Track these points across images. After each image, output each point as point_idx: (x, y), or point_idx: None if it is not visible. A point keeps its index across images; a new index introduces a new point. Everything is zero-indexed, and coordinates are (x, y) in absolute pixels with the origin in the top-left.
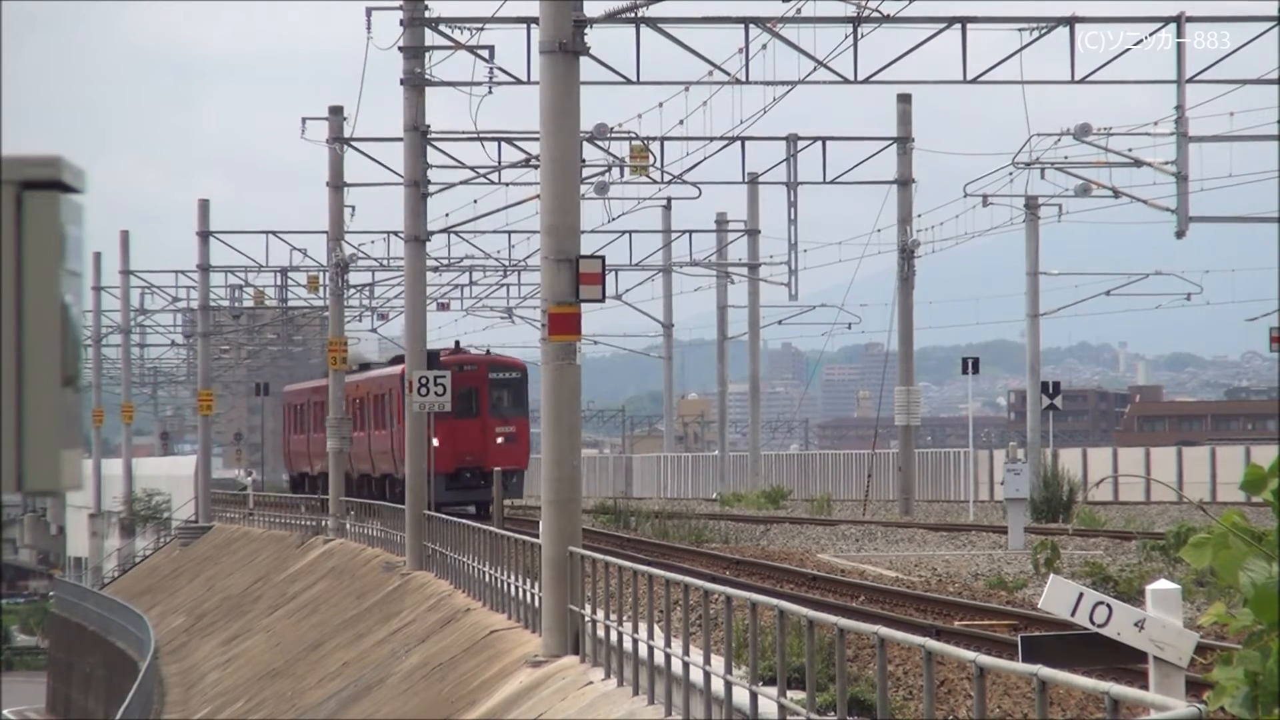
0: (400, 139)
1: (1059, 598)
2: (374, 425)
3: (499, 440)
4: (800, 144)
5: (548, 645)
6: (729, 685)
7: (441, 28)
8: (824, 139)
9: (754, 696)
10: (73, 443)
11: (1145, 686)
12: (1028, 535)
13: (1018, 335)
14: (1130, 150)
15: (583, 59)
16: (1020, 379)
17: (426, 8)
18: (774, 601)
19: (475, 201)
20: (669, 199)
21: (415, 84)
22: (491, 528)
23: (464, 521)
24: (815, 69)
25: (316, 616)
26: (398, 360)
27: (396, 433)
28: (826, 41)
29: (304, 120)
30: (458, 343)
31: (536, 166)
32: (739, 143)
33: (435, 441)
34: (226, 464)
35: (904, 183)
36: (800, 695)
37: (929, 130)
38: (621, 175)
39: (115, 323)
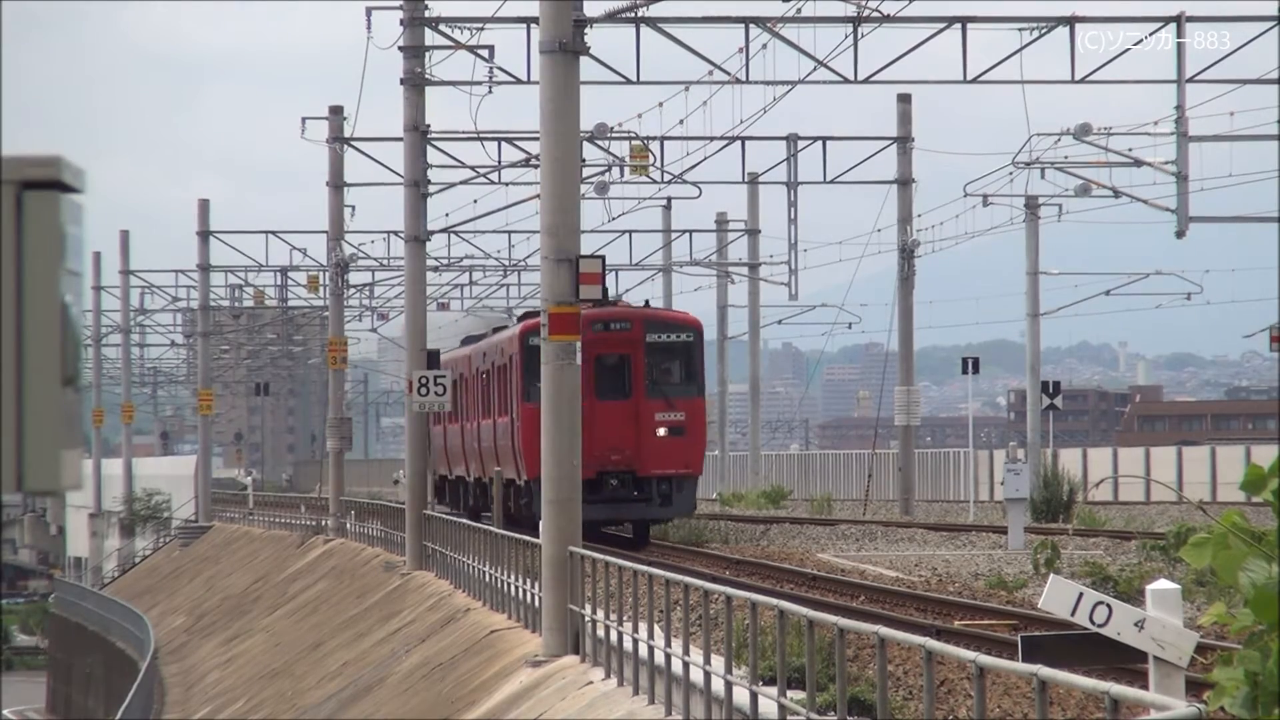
0: (400, 139)
1: (1059, 598)
2: (480, 410)
3: (660, 432)
4: (800, 144)
5: (548, 645)
6: (729, 685)
7: (441, 27)
8: (824, 139)
9: (754, 696)
10: (73, 443)
11: (1145, 686)
12: (1028, 535)
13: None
14: (1130, 150)
15: (583, 59)
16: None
17: (426, 8)
18: (774, 601)
19: (475, 201)
20: (669, 199)
21: (415, 84)
22: (491, 528)
23: (464, 521)
24: (815, 69)
25: (316, 616)
26: (528, 316)
27: (521, 420)
28: (826, 41)
29: (304, 120)
30: (606, 291)
31: (536, 166)
32: (739, 142)
33: None
34: (226, 464)
35: (904, 183)
36: (800, 695)
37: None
38: (621, 175)
39: (115, 323)
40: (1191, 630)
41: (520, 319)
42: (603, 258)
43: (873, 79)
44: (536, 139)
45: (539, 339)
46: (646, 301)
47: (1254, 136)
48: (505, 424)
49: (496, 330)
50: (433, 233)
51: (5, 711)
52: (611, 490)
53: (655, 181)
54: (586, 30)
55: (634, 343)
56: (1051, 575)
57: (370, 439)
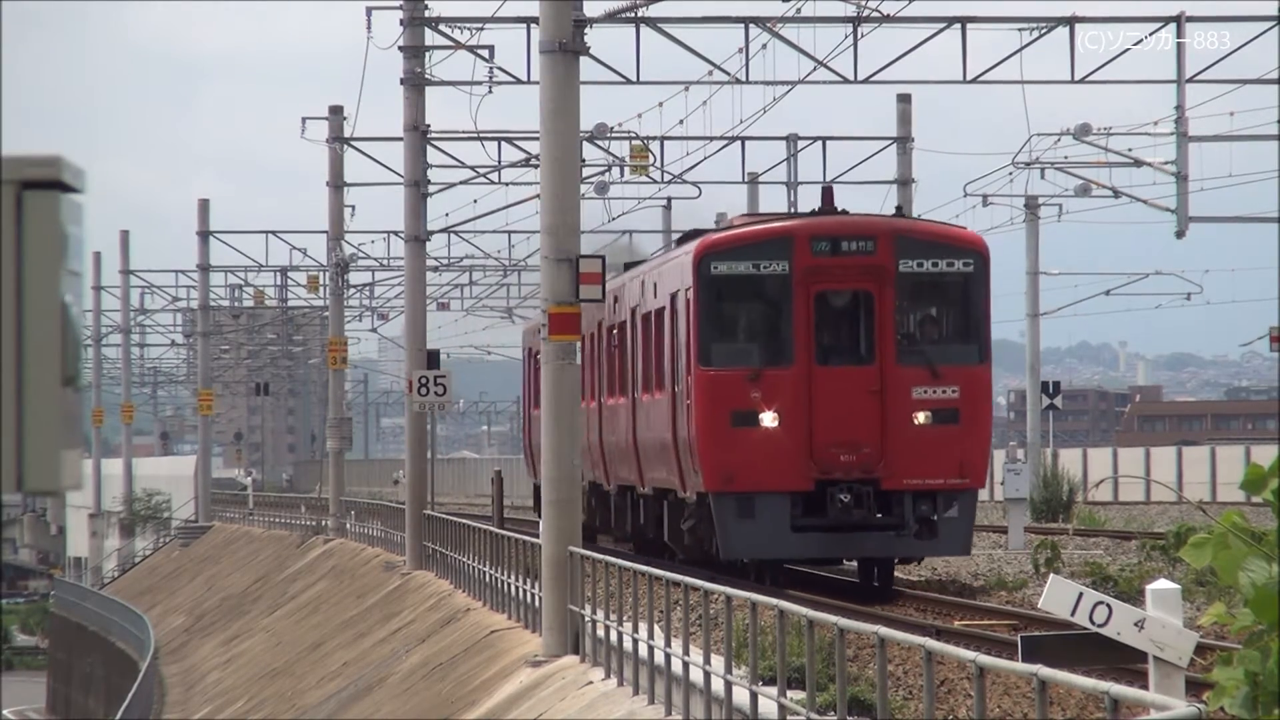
0: (400, 139)
1: (1059, 598)
2: (614, 383)
3: (920, 418)
4: (800, 144)
5: (548, 645)
6: (729, 685)
7: (441, 27)
8: (824, 139)
9: (754, 696)
10: (73, 443)
11: (1145, 686)
12: (1027, 535)
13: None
14: (1130, 150)
15: (583, 59)
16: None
17: (426, 7)
18: (774, 601)
19: (475, 201)
20: (669, 199)
21: (415, 84)
22: (492, 528)
23: (464, 521)
24: (815, 69)
25: (317, 616)
26: (689, 237)
27: (696, 396)
28: (826, 41)
29: (304, 120)
30: (828, 192)
31: (536, 166)
32: (739, 143)
33: (766, 419)
34: (227, 464)
35: (904, 182)
36: (800, 695)
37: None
38: (621, 175)
39: (115, 323)
40: (1191, 630)
41: (681, 240)
42: (603, 258)
43: (873, 79)
44: (536, 139)
45: (726, 265)
46: (899, 209)
47: (1254, 136)
48: (661, 404)
49: (683, 239)
50: (433, 233)
51: (5, 711)
52: (840, 510)
53: (655, 181)
54: (586, 30)
55: (879, 273)
56: (1051, 575)
57: (370, 439)
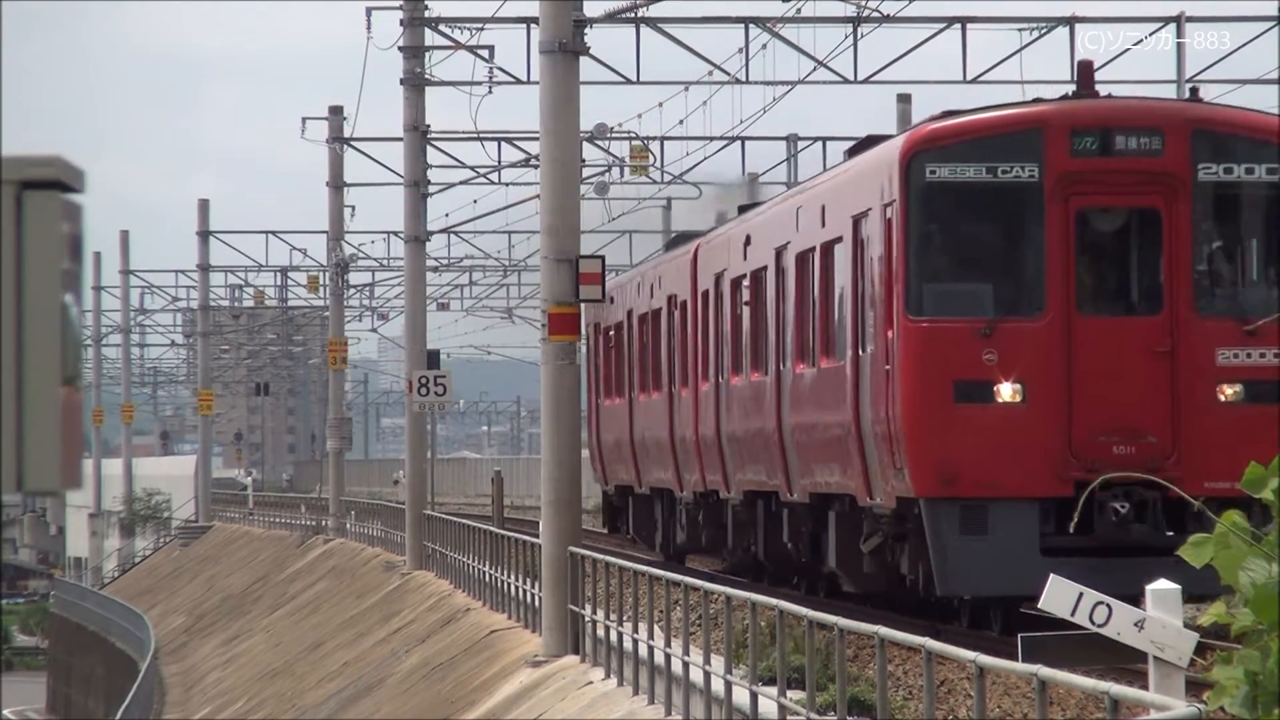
0: (400, 139)
1: (1059, 598)
2: (732, 353)
3: (1229, 392)
4: (800, 144)
5: (548, 645)
6: (729, 685)
7: (441, 28)
8: (824, 139)
9: (754, 696)
10: (73, 443)
11: (1145, 686)
12: None
13: None
14: None
15: (583, 59)
16: None
17: (426, 8)
18: (774, 601)
19: (475, 201)
20: (669, 199)
21: (415, 84)
22: (492, 528)
23: (464, 521)
24: (815, 69)
25: (316, 616)
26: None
27: (902, 355)
28: (826, 41)
29: (304, 120)
30: (1086, 69)
31: (536, 166)
32: (739, 143)
33: (1004, 393)
34: (226, 464)
35: None
36: (800, 695)
37: None
38: (621, 175)
39: (115, 323)
40: (1191, 630)
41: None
42: (603, 258)
43: (873, 79)
44: (536, 139)
45: (949, 169)
46: (1194, 91)
47: None
48: (838, 373)
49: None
50: (433, 233)
51: (5, 711)
52: (1113, 526)
53: (655, 182)
54: (586, 30)
55: (1170, 183)
56: (1051, 575)
57: (370, 439)
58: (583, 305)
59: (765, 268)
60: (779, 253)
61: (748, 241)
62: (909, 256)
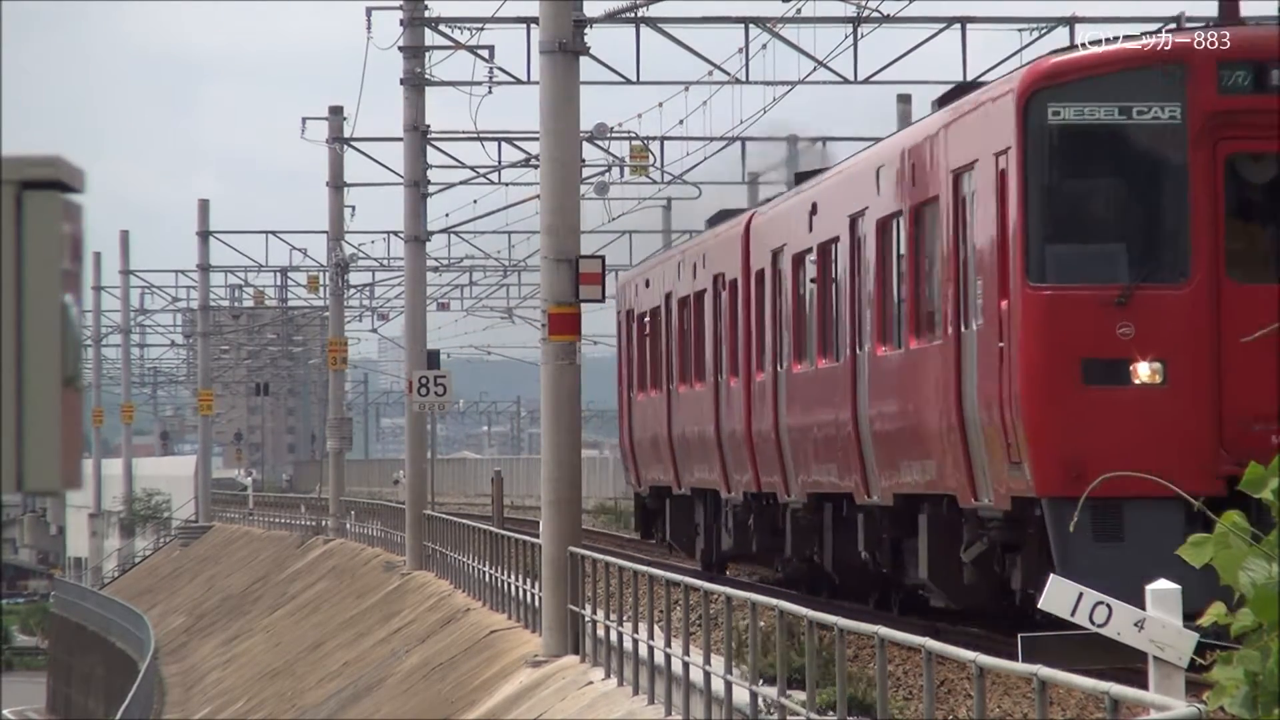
0: (400, 139)
1: (1059, 598)
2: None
3: None
4: (800, 144)
5: (548, 645)
6: (729, 685)
7: (441, 28)
8: (824, 139)
9: (754, 696)
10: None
11: (1145, 686)
12: None
13: None
14: None
15: (583, 59)
16: None
17: (426, 8)
18: (774, 601)
19: (475, 201)
20: (669, 199)
21: (415, 84)
22: (492, 528)
23: (464, 521)
24: (815, 69)
25: (316, 616)
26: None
27: (1022, 327)
28: (826, 41)
29: (304, 120)
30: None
31: (536, 166)
32: (739, 143)
33: (1142, 373)
34: (226, 464)
35: None
36: (800, 695)
37: None
38: (621, 175)
39: (115, 323)
40: (1191, 630)
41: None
42: (603, 258)
43: (873, 79)
44: (536, 139)
45: (1074, 109)
46: None
47: None
48: (933, 354)
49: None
50: (433, 233)
51: (5, 711)
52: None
53: (655, 182)
54: (586, 30)
55: None
56: (1051, 575)
57: (370, 439)
58: (582, 305)
59: (836, 239)
60: (854, 220)
61: (814, 210)
62: (1028, 213)
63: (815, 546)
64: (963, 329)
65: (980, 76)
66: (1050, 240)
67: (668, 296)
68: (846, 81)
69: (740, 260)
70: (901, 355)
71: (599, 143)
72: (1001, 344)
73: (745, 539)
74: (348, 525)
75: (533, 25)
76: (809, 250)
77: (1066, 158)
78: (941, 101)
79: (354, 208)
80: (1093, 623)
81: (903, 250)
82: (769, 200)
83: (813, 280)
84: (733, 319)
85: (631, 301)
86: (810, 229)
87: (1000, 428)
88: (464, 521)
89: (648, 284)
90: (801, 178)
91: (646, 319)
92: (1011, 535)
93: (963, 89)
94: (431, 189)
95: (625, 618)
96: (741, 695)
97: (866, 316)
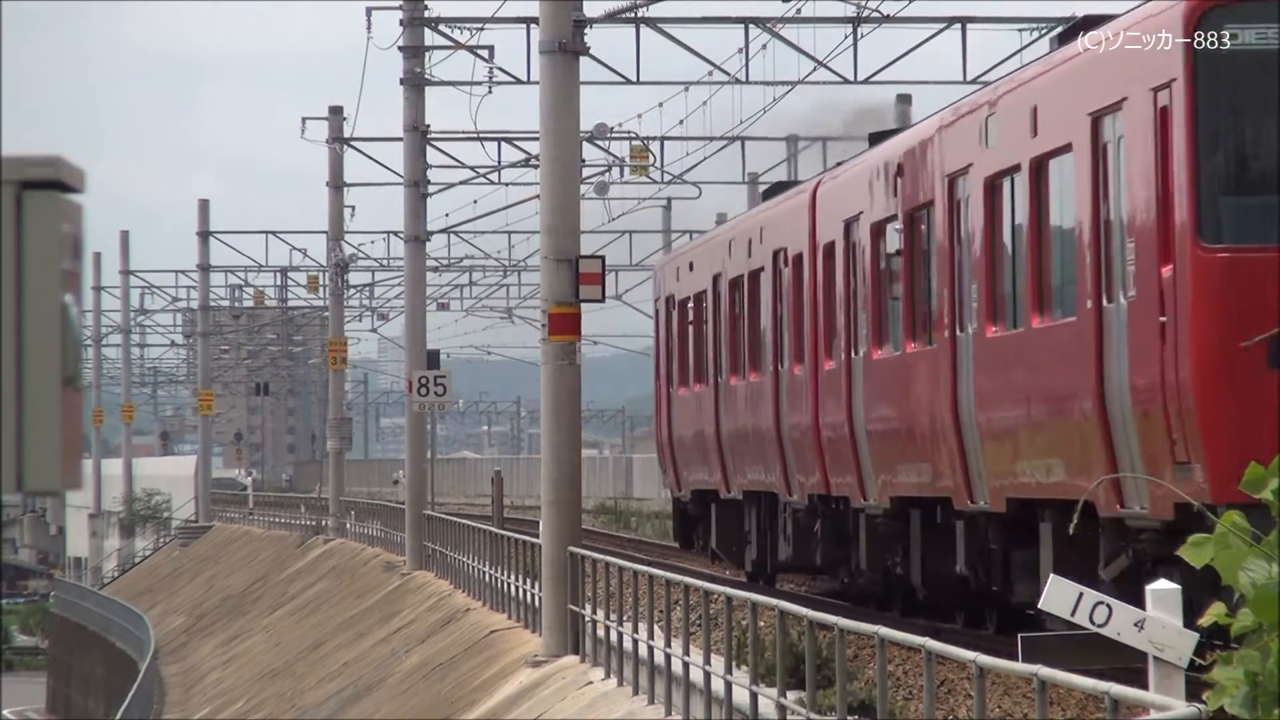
0: (400, 139)
1: (1059, 598)
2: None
3: None
4: (800, 144)
5: (548, 645)
6: (729, 685)
7: (441, 28)
8: (824, 139)
9: (754, 696)
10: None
11: (1145, 686)
12: None
13: None
14: None
15: (583, 59)
16: None
17: (426, 8)
18: (774, 601)
19: (475, 201)
20: (669, 199)
21: (415, 84)
22: (492, 528)
23: (464, 521)
24: (815, 69)
25: (316, 616)
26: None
27: (1172, 309)
28: (826, 41)
29: (304, 120)
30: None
31: (536, 166)
32: (739, 143)
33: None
34: (226, 464)
35: None
36: (800, 695)
37: None
38: (621, 175)
39: (115, 323)
40: (1191, 630)
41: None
42: (603, 258)
43: (873, 79)
44: (536, 139)
45: (1254, 31)
46: None
47: None
48: (1064, 334)
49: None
50: (433, 233)
51: (5, 711)
52: None
53: (655, 182)
54: (586, 30)
55: None
56: (1051, 575)
57: (370, 439)
58: (582, 305)
59: (929, 203)
60: (952, 181)
61: (899, 172)
62: (1199, 159)
63: (897, 557)
64: (1105, 303)
65: (981, 76)
66: (1226, 191)
67: (715, 279)
68: (846, 81)
69: (806, 232)
70: (1019, 335)
71: (599, 143)
72: (1162, 318)
73: (807, 548)
74: (348, 525)
75: (533, 25)
76: (892, 218)
77: (1245, 91)
78: (1062, 38)
79: (354, 208)
80: (1093, 623)
81: (1021, 211)
82: (839, 164)
83: (898, 251)
84: (796, 299)
85: (671, 287)
86: (894, 193)
87: (1162, 418)
88: (464, 521)
89: (691, 267)
90: (876, 138)
91: (690, 305)
92: (1168, 548)
93: (1091, 21)
94: (431, 189)
95: (625, 618)
96: (741, 695)
97: (972, 291)
